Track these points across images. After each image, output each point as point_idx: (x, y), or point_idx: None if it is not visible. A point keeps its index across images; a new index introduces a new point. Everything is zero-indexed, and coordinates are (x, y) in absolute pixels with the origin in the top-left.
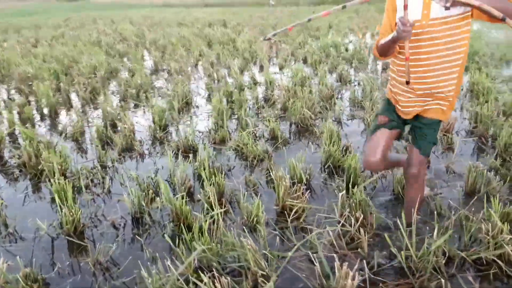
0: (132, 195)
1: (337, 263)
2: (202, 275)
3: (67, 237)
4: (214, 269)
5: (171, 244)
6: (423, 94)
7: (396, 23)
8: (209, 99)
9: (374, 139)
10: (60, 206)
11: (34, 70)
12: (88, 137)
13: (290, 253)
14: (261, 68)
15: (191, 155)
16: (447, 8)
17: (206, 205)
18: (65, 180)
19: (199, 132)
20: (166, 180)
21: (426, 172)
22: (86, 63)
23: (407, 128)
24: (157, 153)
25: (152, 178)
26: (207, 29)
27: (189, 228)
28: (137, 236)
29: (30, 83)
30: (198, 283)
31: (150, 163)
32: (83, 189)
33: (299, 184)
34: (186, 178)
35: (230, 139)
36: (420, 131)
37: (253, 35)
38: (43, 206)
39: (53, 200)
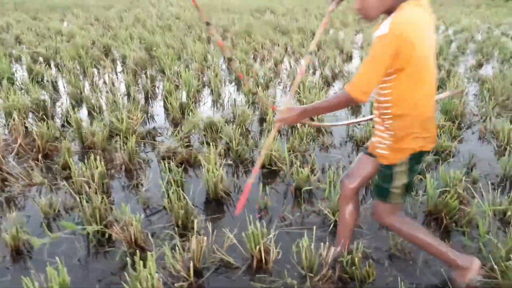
0: None
1: None
2: None
3: None
4: None
5: None
6: None
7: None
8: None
9: None
10: None
11: (143, 53)
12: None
13: None
14: (350, 58)
15: None
16: None
17: None
18: None
19: None
20: None
21: (397, 219)
22: (191, 49)
23: None
24: None
25: None
26: (267, 16)
27: None
28: None
29: (140, 67)
30: None
31: None
32: None
33: None
34: None
35: None
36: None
37: (316, 23)
38: None
39: None
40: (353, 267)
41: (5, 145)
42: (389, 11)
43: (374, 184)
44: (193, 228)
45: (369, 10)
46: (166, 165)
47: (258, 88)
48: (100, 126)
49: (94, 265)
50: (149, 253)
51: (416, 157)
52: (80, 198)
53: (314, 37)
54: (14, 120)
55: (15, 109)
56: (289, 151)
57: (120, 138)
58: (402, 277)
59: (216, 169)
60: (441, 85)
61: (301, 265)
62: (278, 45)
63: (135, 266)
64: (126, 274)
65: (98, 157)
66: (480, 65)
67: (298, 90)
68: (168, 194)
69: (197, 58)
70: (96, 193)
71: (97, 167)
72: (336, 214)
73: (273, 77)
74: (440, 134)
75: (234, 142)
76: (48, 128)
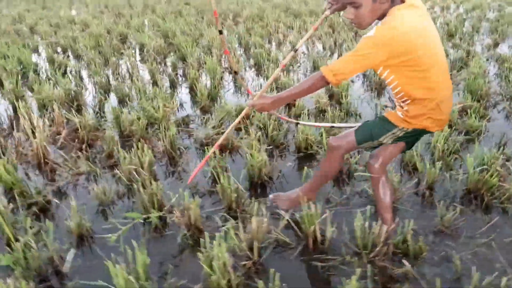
0: None
1: None
2: None
3: None
4: None
5: None
6: None
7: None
8: None
9: None
10: None
11: (161, 41)
12: None
13: None
14: None
15: None
16: None
17: None
18: None
19: None
20: None
21: (342, 155)
22: (209, 36)
23: None
24: None
25: None
26: None
27: None
28: None
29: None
30: None
31: None
32: None
33: None
34: None
35: None
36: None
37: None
38: None
39: None
40: (405, 244)
41: (47, 136)
42: (380, 17)
43: (363, 125)
44: (243, 210)
45: (361, 20)
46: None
47: (282, 74)
48: (139, 115)
49: (158, 248)
50: (217, 234)
51: (417, 133)
52: (136, 185)
53: (303, 37)
54: (53, 111)
55: (49, 101)
56: (321, 135)
57: (159, 126)
58: (452, 251)
59: (259, 154)
60: (462, 66)
61: (354, 243)
62: (293, 28)
63: (195, 247)
64: (200, 254)
65: (145, 145)
66: (496, 44)
67: None
68: (219, 179)
69: (216, 44)
70: (150, 180)
71: (143, 155)
72: None
73: (292, 62)
74: (470, 114)
75: (269, 127)
76: (89, 118)
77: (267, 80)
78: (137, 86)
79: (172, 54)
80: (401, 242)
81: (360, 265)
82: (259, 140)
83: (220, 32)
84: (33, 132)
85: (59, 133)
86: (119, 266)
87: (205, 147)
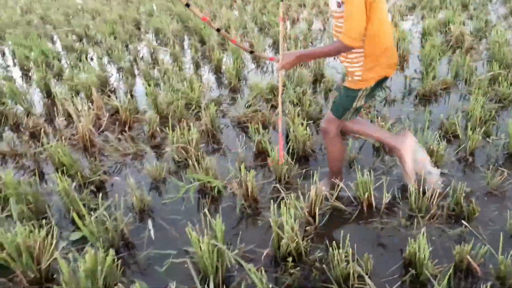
0: None
1: None
2: None
3: None
4: None
5: None
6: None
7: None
8: None
9: None
10: None
11: (177, 25)
12: None
13: None
14: None
15: None
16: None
17: None
18: None
19: None
20: None
21: (335, 133)
22: (223, 17)
23: None
24: None
25: None
26: None
27: None
28: None
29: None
30: None
31: None
32: None
33: None
34: None
35: None
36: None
37: None
38: None
39: None
40: (458, 206)
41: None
42: None
43: (333, 103)
44: (294, 182)
45: None
46: (254, 127)
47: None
48: (177, 96)
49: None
50: (284, 201)
51: (379, 83)
52: (191, 161)
53: None
54: (91, 95)
55: (83, 87)
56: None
57: (195, 107)
58: (505, 211)
59: (304, 129)
60: (482, 35)
61: (408, 207)
62: (305, 5)
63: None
64: (260, 221)
65: (191, 124)
66: (511, 13)
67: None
68: (269, 154)
69: (232, 25)
70: (202, 156)
71: (190, 134)
72: None
73: (308, 38)
74: (501, 82)
75: (305, 103)
76: (129, 102)
77: None
78: (164, 69)
79: (189, 37)
80: (454, 205)
81: (417, 227)
82: (298, 116)
83: (218, 30)
84: (76, 117)
85: (99, 117)
86: (198, 234)
87: (241, 124)
